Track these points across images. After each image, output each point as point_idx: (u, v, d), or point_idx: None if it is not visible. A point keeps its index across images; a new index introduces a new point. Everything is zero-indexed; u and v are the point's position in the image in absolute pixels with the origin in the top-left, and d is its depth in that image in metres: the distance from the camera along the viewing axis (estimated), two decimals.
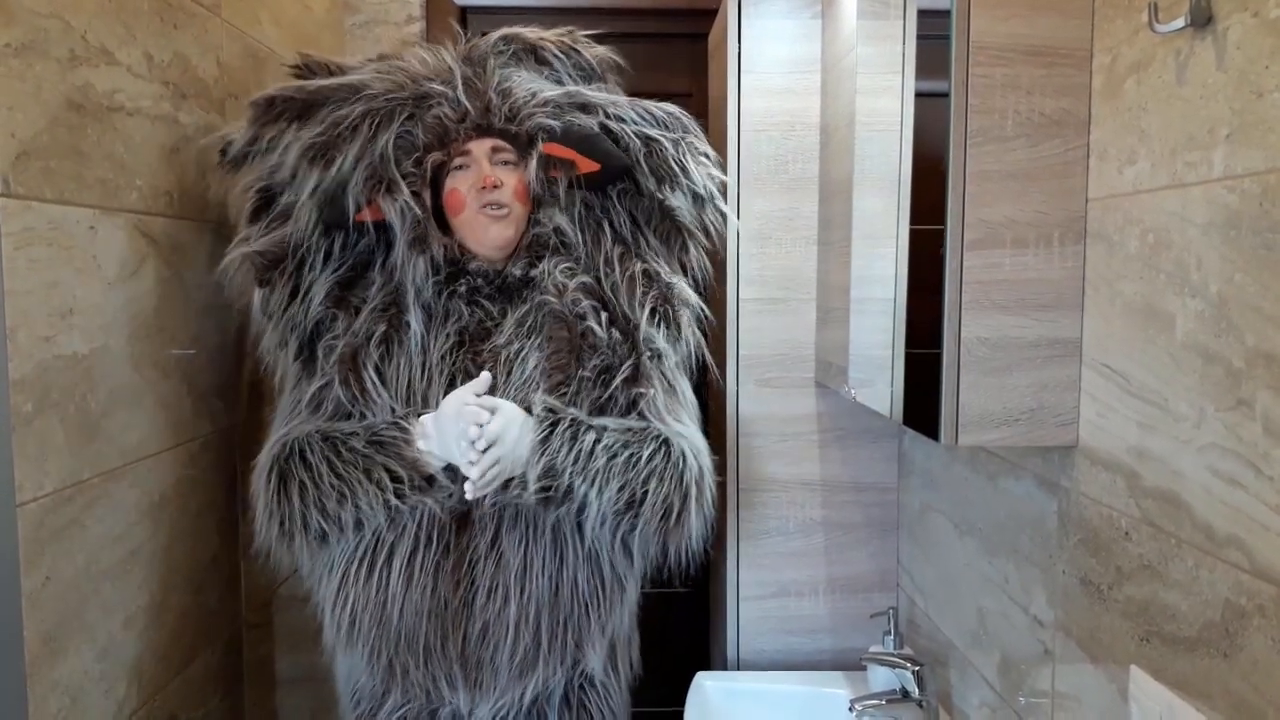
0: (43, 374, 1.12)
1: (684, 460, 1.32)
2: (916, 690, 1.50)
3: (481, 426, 1.24)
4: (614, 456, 1.29)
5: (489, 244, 1.38)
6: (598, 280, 1.40)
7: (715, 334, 1.59)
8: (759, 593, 1.85)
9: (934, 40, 1.12)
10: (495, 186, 1.37)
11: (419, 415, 1.31)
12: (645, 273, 1.42)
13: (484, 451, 1.25)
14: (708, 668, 1.88)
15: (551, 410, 1.29)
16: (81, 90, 1.20)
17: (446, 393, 1.32)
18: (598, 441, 1.28)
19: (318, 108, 1.40)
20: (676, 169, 1.43)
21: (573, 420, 1.29)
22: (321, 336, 1.37)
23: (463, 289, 1.38)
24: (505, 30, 1.51)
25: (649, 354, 1.38)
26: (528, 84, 1.45)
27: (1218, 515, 0.85)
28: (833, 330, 1.67)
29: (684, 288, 1.44)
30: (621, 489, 1.29)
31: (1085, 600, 1.09)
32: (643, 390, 1.34)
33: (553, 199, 1.41)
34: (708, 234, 1.49)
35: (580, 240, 1.42)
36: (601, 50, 1.54)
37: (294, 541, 1.32)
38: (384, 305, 1.35)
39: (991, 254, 1.08)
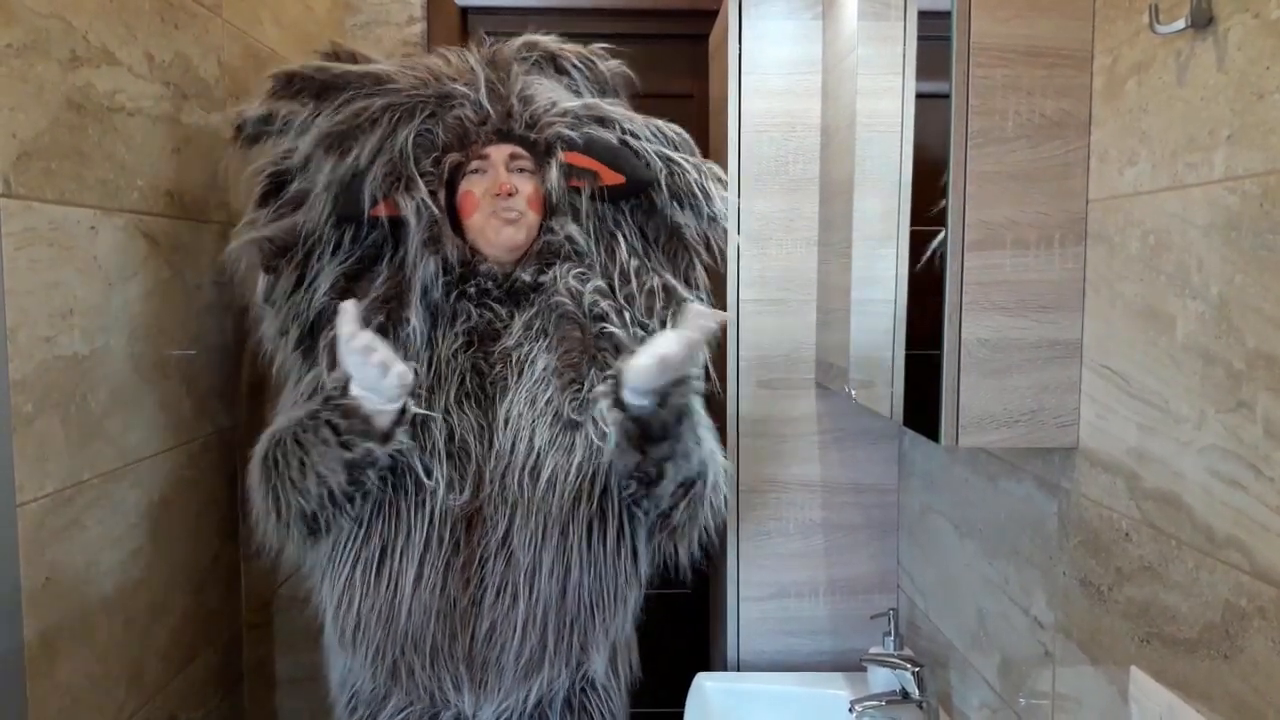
0: (43, 374, 1.12)
1: (717, 482, 1.38)
2: (917, 691, 1.50)
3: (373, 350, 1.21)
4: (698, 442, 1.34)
5: (500, 245, 1.38)
6: (611, 289, 1.41)
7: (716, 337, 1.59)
8: (759, 593, 1.85)
9: (935, 41, 1.12)
10: (510, 194, 1.37)
11: (424, 414, 1.31)
12: (665, 288, 1.43)
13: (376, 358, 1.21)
14: (708, 668, 1.88)
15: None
16: (82, 90, 1.20)
17: (458, 392, 1.32)
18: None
19: (337, 91, 1.39)
20: (699, 194, 1.45)
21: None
22: (323, 327, 1.37)
23: (471, 290, 1.38)
24: (527, 37, 1.51)
25: None
26: (549, 93, 1.45)
27: (1218, 517, 0.85)
28: (833, 331, 1.67)
29: (699, 305, 1.44)
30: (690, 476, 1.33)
31: (1085, 601, 1.09)
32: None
33: (568, 208, 1.41)
34: (710, 251, 1.50)
35: (592, 250, 1.42)
36: (615, 64, 1.55)
37: (290, 531, 1.32)
38: (385, 298, 1.35)
39: (992, 255, 1.08)
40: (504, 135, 1.41)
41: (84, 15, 1.20)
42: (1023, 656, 1.25)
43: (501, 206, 1.37)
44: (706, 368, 1.47)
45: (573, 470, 1.32)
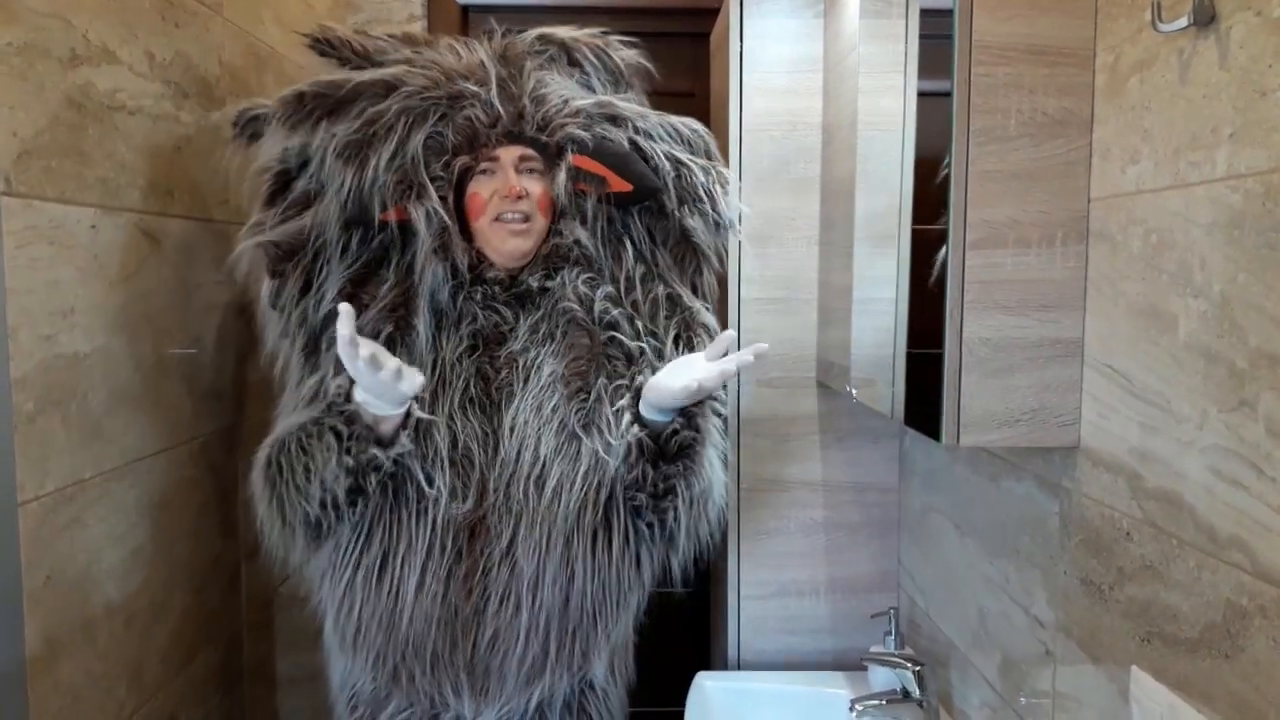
0: (44, 373, 1.12)
1: (717, 500, 1.39)
2: (917, 690, 1.50)
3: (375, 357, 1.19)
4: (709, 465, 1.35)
5: (507, 256, 1.38)
6: (619, 294, 1.40)
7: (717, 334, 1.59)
8: (760, 592, 1.85)
9: (936, 40, 1.12)
10: (520, 196, 1.36)
11: (428, 419, 1.30)
12: (669, 297, 1.42)
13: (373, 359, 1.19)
14: (708, 668, 1.88)
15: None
16: (83, 89, 1.20)
17: (462, 398, 1.32)
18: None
19: (349, 103, 1.37)
20: (705, 197, 1.44)
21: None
22: (328, 331, 1.36)
23: (478, 294, 1.37)
24: (541, 30, 1.49)
25: None
26: (561, 91, 1.43)
27: (1220, 516, 0.85)
28: (834, 330, 1.66)
29: (704, 313, 1.45)
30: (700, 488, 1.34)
31: (1086, 601, 1.09)
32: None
33: (576, 212, 1.40)
34: (720, 259, 1.49)
35: (600, 254, 1.41)
36: (630, 54, 1.52)
37: (293, 537, 1.31)
38: (393, 305, 1.34)
39: (994, 254, 1.08)
40: (515, 137, 1.39)
41: (84, 14, 1.19)
42: (1023, 656, 1.25)
43: (510, 210, 1.36)
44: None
45: (578, 479, 1.31)
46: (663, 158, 1.41)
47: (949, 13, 1.06)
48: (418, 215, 1.32)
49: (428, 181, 1.34)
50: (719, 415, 1.40)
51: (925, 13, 1.18)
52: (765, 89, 1.76)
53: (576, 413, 1.32)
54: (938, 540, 1.60)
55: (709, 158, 1.49)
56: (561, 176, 1.38)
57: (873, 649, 1.61)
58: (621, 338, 1.36)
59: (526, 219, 1.36)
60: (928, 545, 1.66)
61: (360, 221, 1.35)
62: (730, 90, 1.77)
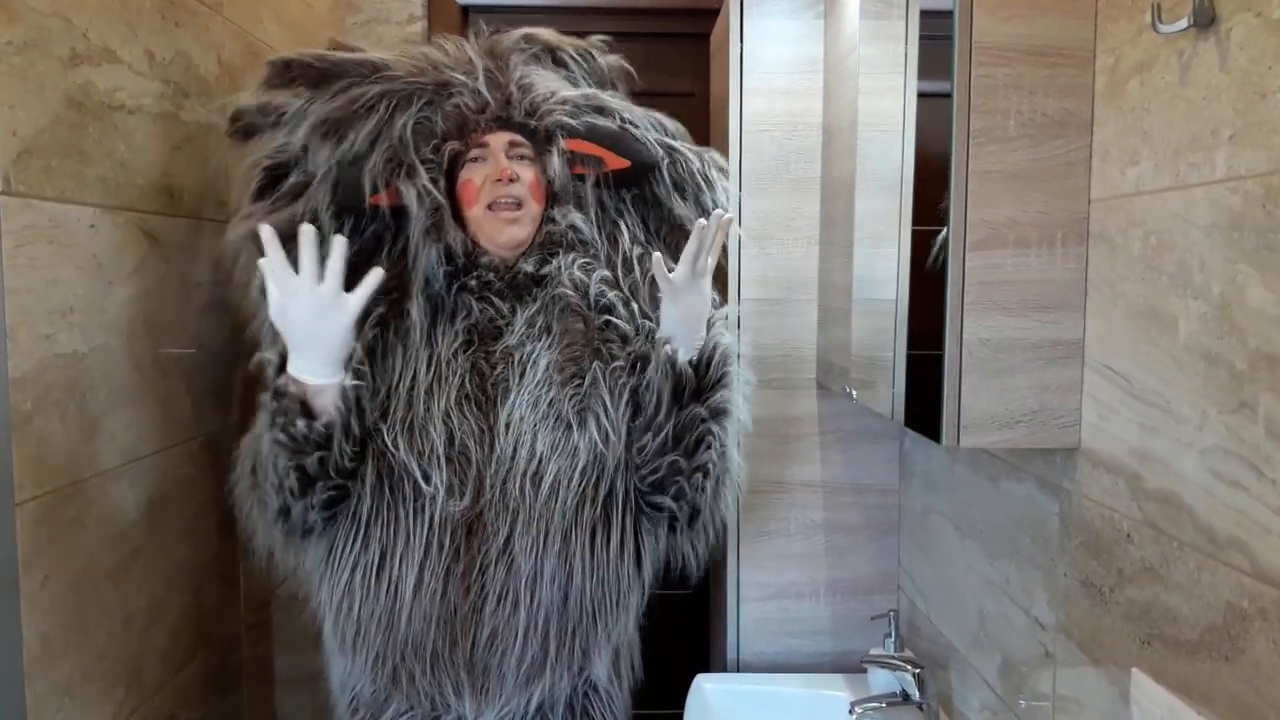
0: (43, 372, 1.12)
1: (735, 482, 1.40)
2: (917, 693, 1.50)
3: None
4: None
5: (502, 244, 1.38)
6: (616, 278, 1.40)
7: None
8: (759, 594, 1.85)
9: (936, 41, 1.12)
10: (511, 179, 1.36)
11: (425, 415, 1.30)
12: None
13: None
14: (708, 670, 1.88)
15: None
16: (83, 88, 1.19)
17: (458, 394, 1.31)
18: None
19: (334, 79, 1.38)
20: (701, 182, 1.44)
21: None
22: None
23: (473, 283, 1.37)
24: (525, 30, 1.50)
25: None
26: (548, 82, 1.44)
27: (1219, 518, 0.85)
28: (834, 331, 1.66)
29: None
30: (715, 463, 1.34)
31: (1086, 603, 1.08)
32: None
33: (571, 196, 1.40)
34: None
35: (596, 238, 1.41)
36: (614, 59, 1.54)
37: (273, 532, 1.32)
38: (386, 289, 1.33)
39: (994, 255, 1.08)
40: (503, 123, 1.39)
41: (84, 13, 1.19)
42: (1023, 658, 1.25)
43: (502, 195, 1.36)
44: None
45: (576, 475, 1.30)
46: (654, 144, 1.42)
47: (949, 14, 1.06)
48: (409, 194, 1.32)
49: (417, 161, 1.34)
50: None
51: (925, 14, 1.18)
52: (765, 90, 1.76)
53: (571, 400, 1.32)
54: (938, 542, 1.60)
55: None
56: (556, 161, 1.39)
57: (872, 651, 1.61)
58: (617, 320, 1.36)
59: (519, 204, 1.36)
60: (928, 547, 1.65)
61: (351, 206, 1.34)
62: (730, 91, 1.77)
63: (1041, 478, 1.20)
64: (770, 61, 1.76)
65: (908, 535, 1.78)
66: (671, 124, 1.49)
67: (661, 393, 1.30)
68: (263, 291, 1.33)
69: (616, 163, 1.40)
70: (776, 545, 1.84)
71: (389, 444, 1.29)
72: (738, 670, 1.86)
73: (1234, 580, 0.83)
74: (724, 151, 1.75)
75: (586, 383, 1.33)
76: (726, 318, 1.41)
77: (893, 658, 1.56)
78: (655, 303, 1.37)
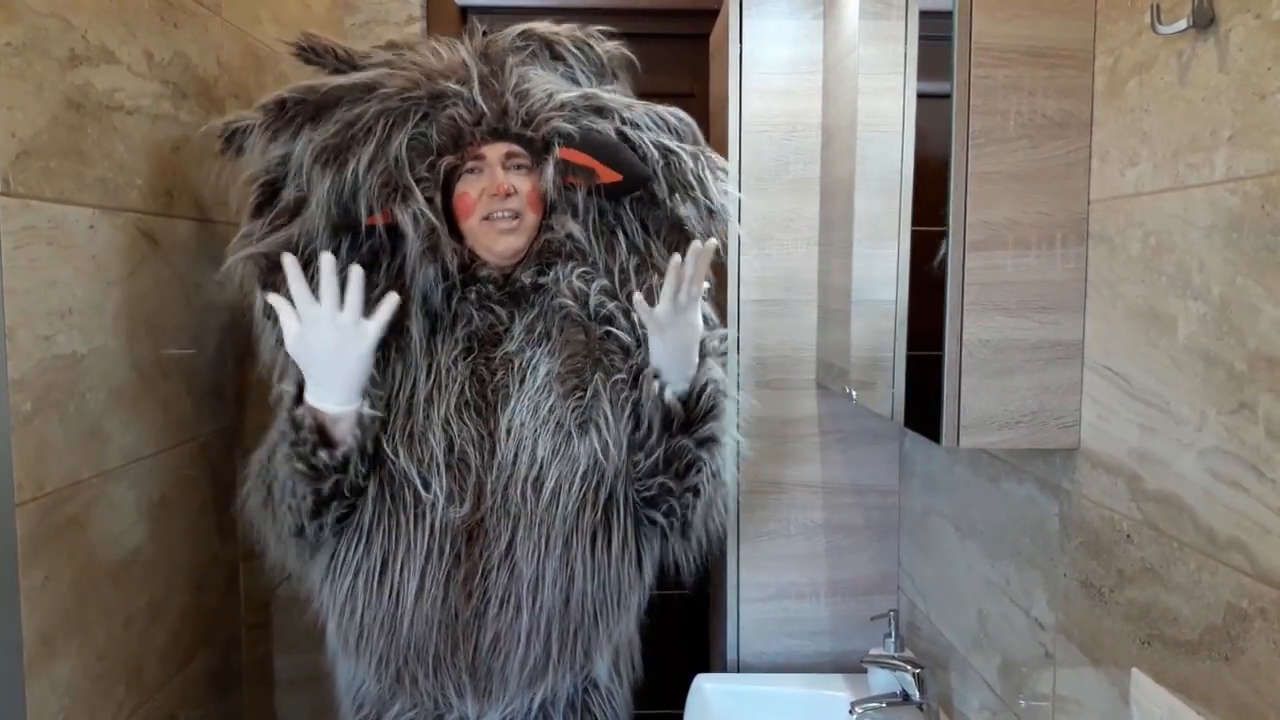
0: (42, 373, 1.12)
1: (725, 495, 1.40)
2: (917, 693, 1.50)
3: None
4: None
5: (499, 255, 1.37)
6: (615, 287, 1.39)
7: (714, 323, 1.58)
8: (759, 595, 1.85)
9: (936, 41, 1.12)
10: (509, 194, 1.35)
11: (424, 423, 1.31)
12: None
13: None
14: (708, 670, 1.88)
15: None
16: (81, 89, 1.19)
17: (457, 401, 1.31)
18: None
19: (330, 108, 1.36)
20: (694, 182, 1.42)
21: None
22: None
23: (472, 295, 1.37)
24: (522, 26, 1.47)
25: None
26: (544, 85, 1.42)
27: (1219, 518, 0.85)
28: (834, 332, 1.66)
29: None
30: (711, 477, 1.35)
31: (1086, 603, 1.08)
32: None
33: (567, 205, 1.39)
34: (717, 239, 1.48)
35: (593, 247, 1.40)
36: (613, 46, 1.51)
37: (287, 548, 1.33)
38: None
39: (993, 255, 1.08)
40: (500, 134, 1.38)
41: (83, 14, 1.19)
42: (1023, 658, 1.25)
43: (499, 209, 1.35)
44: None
45: (577, 480, 1.31)
46: (651, 146, 1.40)
47: (948, 14, 1.06)
48: (404, 219, 1.31)
49: (413, 183, 1.32)
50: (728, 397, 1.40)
51: (924, 14, 1.18)
52: (765, 90, 1.76)
53: (573, 411, 1.32)
54: (938, 542, 1.60)
55: (697, 145, 1.48)
56: (549, 171, 1.37)
57: (872, 651, 1.61)
58: (618, 331, 1.36)
59: (516, 216, 1.36)
60: (928, 547, 1.65)
61: (347, 227, 1.34)
62: (730, 91, 1.77)
63: (1041, 478, 1.20)
64: (769, 62, 1.76)
65: (908, 536, 1.78)
66: (674, 119, 1.46)
67: (652, 420, 1.31)
68: (266, 314, 1.34)
69: (609, 175, 1.38)
70: (776, 546, 1.84)
71: (389, 452, 1.30)
72: (738, 670, 1.86)
73: (1234, 581, 0.83)
74: (723, 152, 1.76)
75: (589, 394, 1.33)
76: (724, 339, 1.40)
77: (893, 658, 1.56)
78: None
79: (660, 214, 1.43)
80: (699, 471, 1.33)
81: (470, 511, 1.29)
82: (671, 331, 1.28)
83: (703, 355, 1.34)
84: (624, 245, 1.41)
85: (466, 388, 1.32)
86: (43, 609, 1.12)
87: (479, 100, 1.37)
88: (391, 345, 1.32)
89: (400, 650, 1.30)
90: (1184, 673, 0.90)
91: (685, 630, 2.40)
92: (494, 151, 1.37)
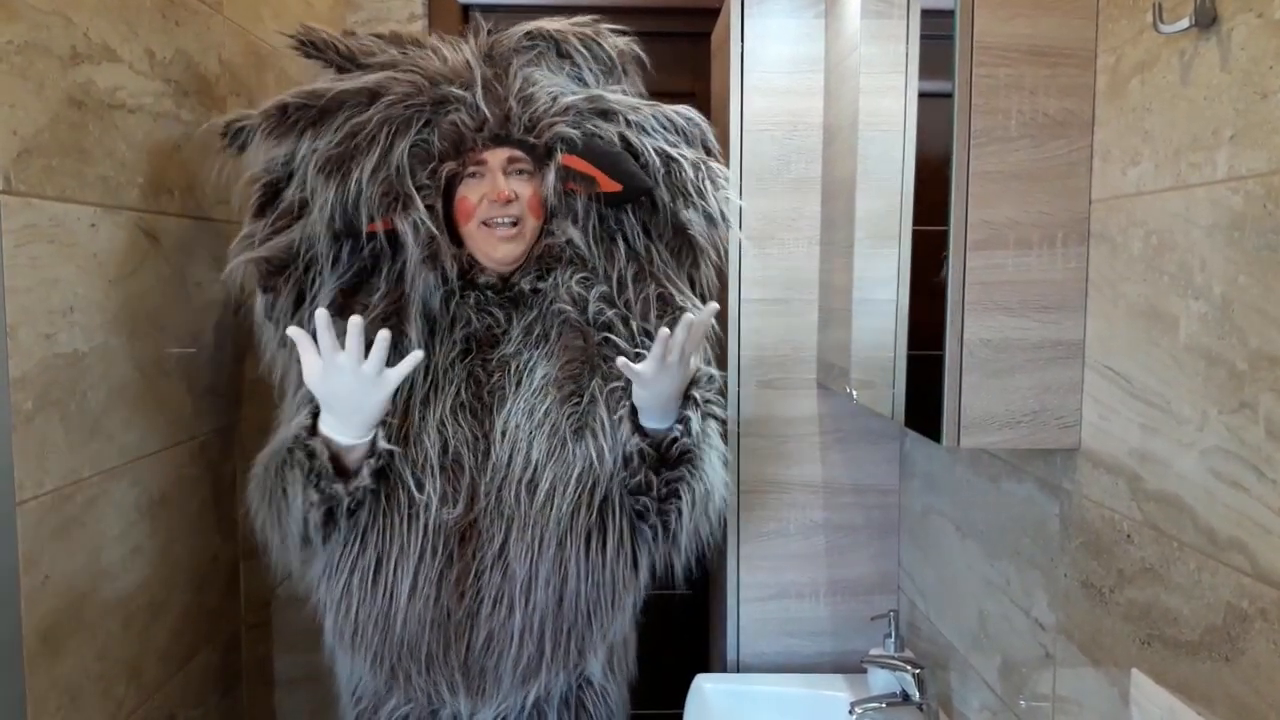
0: (43, 372, 1.12)
1: (719, 504, 1.39)
2: (917, 693, 1.50)
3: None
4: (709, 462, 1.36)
5: (497, 261, 1.37)
6: (614, 293, 1.39)
7: (718, 336, 1.58)
8: (759, 595, 1.85)
9: (937, 40, 1.12)
10: (509, 200, 1.35)
11: (420, 424, 1.31)
12: (660, 297, 1.40)
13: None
14: (707, 670, 1.88)
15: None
16: (83, 87, 1.19)
17: (453, 403, 1.31)
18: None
19: (332, 113, 1.36)
20: (694, 192, 1.42)
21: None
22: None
23: (471, 299, 1.37)
24: (528, 25, 1.45)
25: None
26: (549, 88, 1.41)
27: (1220, 518, 0.85)
28: (835, 331, 1.66)
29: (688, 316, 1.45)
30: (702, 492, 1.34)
31: (1087, 603, 1.08)
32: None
33: (568, 211, 1.39)
34: (718, 251, 1.48)
35: (593, 253, 1.39)
36: (622, 42, 1.50)
37: (288, 547, 1.33)
38: (385, 314, 1.33)
39: (994, 255, 1.08)
40: (502, 139, 1.37)
41: (85, 12, 1.19)
42: (1023, 658, 1.25)
43: (499, 215, 1.35)
44: (724, 392, 1.47)
45: (571, 482, 1.31)
46: (653, 154, 1.39)
47: (950, 13, 1.06)
48: (404, 227, 1.31)
49: (414, 192, 1.32)
50: (718, 419, 1.40)
51: (926, 13, 1.18)
52: (766, 89, 1.76)
53: (569, 417, 1.32)
54: (938, 542, 1.59)
55: (705, 148, 1.47)
56: (550, 177, 1.37)
57: (872, 651, 1.61)
58: (616, 339, 1.35)
59: (516, 222, 1.36)
60: (928, 547, 1.65)
61: (348, 234, 1.34)
62: (731, 90, 1.77)
63: (1042, 478, 1.20)
64: (771, 61, 1.76)
65: (908, 535, 1.78)
66: (682, 119, 1.45)
67: (632, 453, 1.31)
68: (268, 315, 1.36)
69: (609, 185, 1.37)
70: (776, 545, 1.84)
71: (384, 453, 1.30)
72: (738, 670, 1.86)
73: (1234, 581, 0.83)
74: (725, 150, 1.75)
75: (585, 400, 1.33)
76: (712, 382, 1.39)
77: (893, 658, 1.56)
78: (650, 322, 1.37)
79: (661, 219, 1.43)
80: (679, 498, 1.33)
81: (464, 512, 1.29)
82: (655, 386, 1.26)
83: (689, 397, 1.32)
84: (623, 252, 1.40)
85: (463, 389, 1.32)
86: (43, 608, 1.12)
87: (482, 105, 1.36)
88: (391, 351, 1.32)
89: (394, 648, 1.31)
90: (1184, 673, 0.90)
91: (685, 630, 2.40)
92: (495, 157, 1.37)
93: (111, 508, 1.28)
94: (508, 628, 1.30)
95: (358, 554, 1.32)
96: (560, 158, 1.37)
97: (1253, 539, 0.81)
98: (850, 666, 1.78)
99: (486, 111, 1.36)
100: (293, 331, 1.20)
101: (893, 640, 1.61)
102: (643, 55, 1.52)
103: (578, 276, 1.37)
